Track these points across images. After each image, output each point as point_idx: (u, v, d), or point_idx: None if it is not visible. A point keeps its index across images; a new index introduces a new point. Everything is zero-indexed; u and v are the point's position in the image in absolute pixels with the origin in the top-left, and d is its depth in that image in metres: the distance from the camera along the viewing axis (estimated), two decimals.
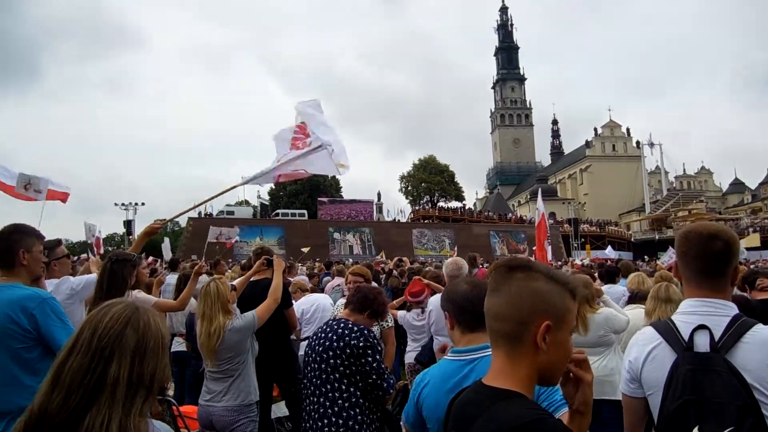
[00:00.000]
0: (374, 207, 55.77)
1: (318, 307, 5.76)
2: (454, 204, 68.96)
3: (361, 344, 3.05)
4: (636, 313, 4.62)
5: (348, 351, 3.04)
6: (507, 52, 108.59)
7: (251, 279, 4.66)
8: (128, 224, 36.72)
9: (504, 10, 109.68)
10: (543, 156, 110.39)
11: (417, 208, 66.30)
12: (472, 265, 7.66)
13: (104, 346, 1.37)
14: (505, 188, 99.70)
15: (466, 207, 67.73)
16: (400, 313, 5.66)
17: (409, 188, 74.82)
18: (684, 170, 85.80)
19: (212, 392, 3.66)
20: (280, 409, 5.70)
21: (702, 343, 1.70)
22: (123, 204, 38.38)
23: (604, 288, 5.51)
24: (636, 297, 5.11)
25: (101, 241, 15.50)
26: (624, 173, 79.07)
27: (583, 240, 49.62)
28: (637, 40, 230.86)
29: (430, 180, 71.78)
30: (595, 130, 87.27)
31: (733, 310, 1.76)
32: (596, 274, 7.02)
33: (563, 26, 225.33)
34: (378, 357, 3.11)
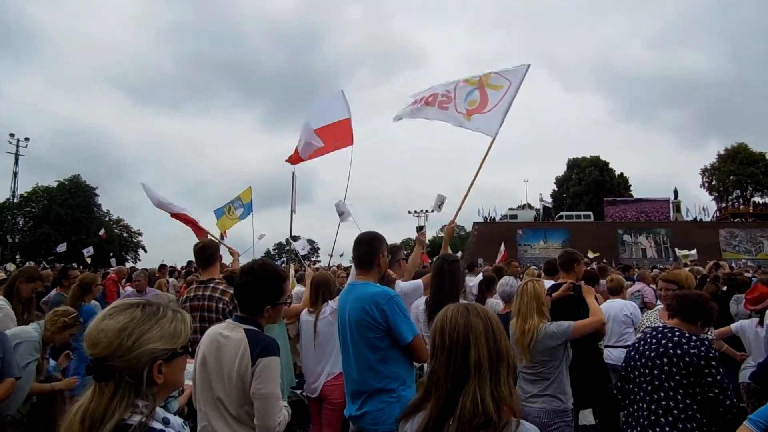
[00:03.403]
0: (670, 206, 50.45)
1: (610, 317, 5.58)
2: None
3: (702, 354, 2.86)
4: None
5: (687, 359, 2.86)
6: None
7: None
8: (420, 229, 39.90)
9: None
10: None
11: (725, 205, 57.76)
12: None
13: (457, 338, 1.57)
14: None
15: None
16: (744, 323, 5.03)
17: (714, 183, 65.57)
18: None
19: (527, 392, 3.74)
20: (586, 417, 5.52)
21: None
22: (415, 211, 41.92)
23: None
24: None
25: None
26: None
27: None
28: None
29: (740, 172, 61.79)
30: None
31: None
32: None
33: None
34: (720, 370, 2.87)
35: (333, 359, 4.35)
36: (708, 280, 8.32)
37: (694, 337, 2.95)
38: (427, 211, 41.73)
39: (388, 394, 2.90)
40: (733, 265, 26.30)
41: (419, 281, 4.28)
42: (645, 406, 2.96)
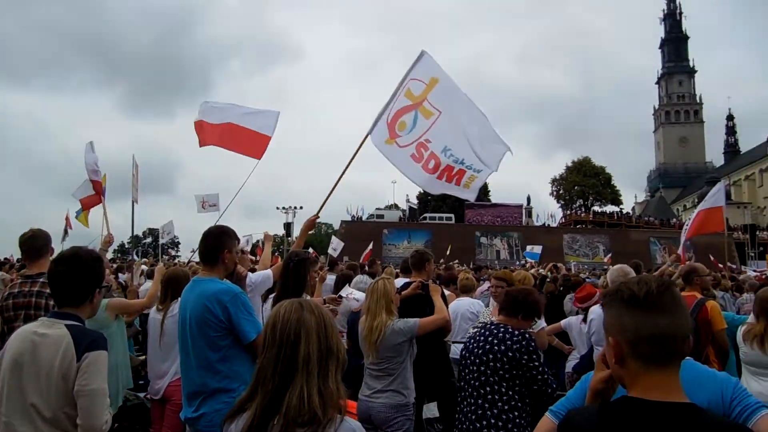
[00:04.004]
0: (523, 211, 54.45)
1: (458, 314, 5.80)
2: (610, 208, 64.98)
3: (523, 348, 3.04)
4: None
5: (510, 354, 3.04)
6: (674, 42, 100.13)
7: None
8: (288, 226, 39.33)
9: None
10: (714, 155, 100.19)
11: (569, 212, 63.39)
12: (638, 273, 7.13)
13: (288, 333, 1.56)
14: (669, 191, 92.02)
15: (624, 212, 63.54)
16: (571, 319, 5.51)
17: (561, 192, 71.81)
18: None
19: (372, 388, 3.82)
20: (430, 411, 5.76)
21: None
22: (284, 208, 41.22)
23: None
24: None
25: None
26: None
27: (761, 249, 44.21)
28: None
29: (584, 183, 68.31)
30: None
31: None
32: None
33: (741, 10, 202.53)
34: (541, 361, 3.10)
35: (179, 360, 4.15)
36: (548, 279, 9.11)
37: (516, 333, 3.12)
38: (295, 207, 41.32)
39: (228, 394, 2.81)
40: (570, 266, 28.93)
41: (268, 271, 4.22)
42: (473, 401, 3.12)
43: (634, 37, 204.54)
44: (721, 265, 15.76)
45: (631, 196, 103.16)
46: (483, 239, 46.64)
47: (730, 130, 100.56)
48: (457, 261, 20.42)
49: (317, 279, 5.24)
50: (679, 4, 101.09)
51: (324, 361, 1.58)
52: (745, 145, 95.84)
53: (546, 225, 53.39)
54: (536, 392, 3.05)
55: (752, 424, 1.50)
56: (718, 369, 4.76)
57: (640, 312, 1.31)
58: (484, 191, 67.06)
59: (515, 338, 3.09)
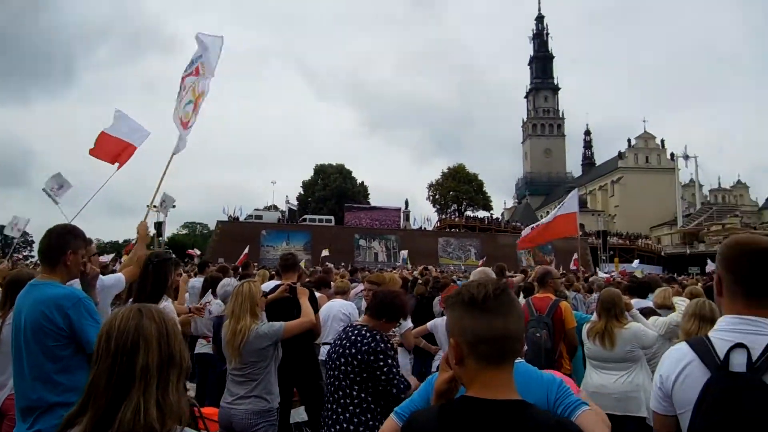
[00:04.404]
0: (401, 215, 55.79)
1: (330, 316, 5.79)
2: (482, 213, 68.55)
3: (371, 349, 3.04)
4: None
5: (359, 357, 3.04)
6: (541, 61, 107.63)
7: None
8: (159, 226, 37.22)
9: (540, 19, 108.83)
10: (574, 167, 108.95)
11: (444, 216, 66.02)
12: (501, 275, 7.56)
13: (125, 342, 1.44)
14: (534, 198, 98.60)
15: (494, 217, 67.29)
16: (437, 320, 5.66)
17: (437, 197, 74.58)
18: (719, 184, 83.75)
19: (234, 395, 3.69)
20: (299, 415, 5.72)
21: (738, 363, 1.61)
22: (154, 206, 38.86)
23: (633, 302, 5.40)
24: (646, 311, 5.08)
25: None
26: (657, 186, 77.48)
27: (611, 253, 48.76)
28: (677, 50, 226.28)
29: (458, 189, 71.45)
30: (629, 141, 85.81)
31: None
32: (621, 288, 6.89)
33: (600, 35, 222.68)
34: (390, 362, 3.08)
35: None
36: (419, 281, 9.38)
37: (368, 334, 3.12)
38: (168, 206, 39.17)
39: (67, 408, 2.55)
40: (444, 268, 30.11)
41: (120, 275, 3.92)
42: (330, 406, 3.12)
43: (507, 53, 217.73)
44: (583, 268, 17.16)
45: (501, 202, 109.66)
46: (362, 242, 47.17)
47: (588, 144, 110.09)
48: (331, 264, 20.40)
49: (180, 281, 5.01)
50: (546, 26, 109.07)
51: (164, 371, 1.47)
52: (600, 158, 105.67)
53: (422, 228, 55.10)
54: (381, 393, 3.04)
55: (573, 420, 1.62)
56: (568, 363, 5.18)
57: (478, 314, 1.36)
58: (364, 194, 68.17)
59: (366, 340, 3.09)
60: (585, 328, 4.60)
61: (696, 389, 1.66)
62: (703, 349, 1.72)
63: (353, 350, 3.07)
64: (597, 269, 32.37)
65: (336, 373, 3.10)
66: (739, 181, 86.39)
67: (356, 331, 3.18)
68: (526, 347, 4.44)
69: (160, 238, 36.01)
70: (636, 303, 5.82)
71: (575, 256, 21.74)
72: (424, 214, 63.90)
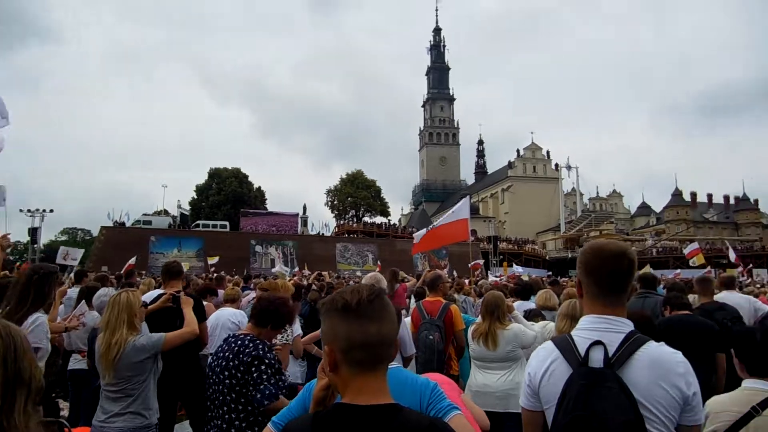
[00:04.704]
0: (299, 220, 55.22)
1: (218, 325, 5.59)
2: (379, 219, 69.36)
3: (252, 357, 2.97)
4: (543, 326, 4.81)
5: (242, 368, 2.95)
6: (438, 72, 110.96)
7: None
8: (33, 232, 34.30)
9: (437, 31, 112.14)
10: (468, 175, 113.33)
11: (342, 222, 66.13)
12: (394, 279, 7.66)
13: None
14: (430, 205, 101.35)
15: (391, 223, 68.32)
16: None
17: (335, 202, 74.68)
18: (597, 193, 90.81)
19: (107, 412, 3.43)
20: (184, 429, 5.48)
21: (597, 359, 1.74)
22: (29, 210, 35.81)
23: (516, 304, 5.68)
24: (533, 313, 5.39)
25: None
26: (543, 194, 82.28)
27: (501, 257, 51.09)
28: (566, 65, 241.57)
29: (356, 195, 71.95)
30: (518, 151, 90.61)
31: (628, 327, 1.80)
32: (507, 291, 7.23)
33: (494, 49, 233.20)
34: (268, 370, 2.99)
35: None
36: (313, 288, 9.32)
37: (251, 344, 3.05)
38: (44, 210, 36.25)
39: None
40: (346, 274, 30.18)
41: None
42: (216, 422, 2.99)
43: (407, 62, 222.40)
44: (477, 272, 17.82)
45: (398, 208, 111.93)
46: (258, 248, 46.10)
47: (480, 153, 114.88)
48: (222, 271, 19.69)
49: (57, 293, 4.65)
50: (443, 38, 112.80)
51: (10, 392, 1.34)
52: (492, 166, 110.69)
53: (320, 234, 54.88)
54: (251, 399, 2.96)
55: None
56: (455, 364, 5.35)
57: (353, 319, 1.35)
58: (260, 199, 66.82)
59: (248, 349, 3.01)
60: (470, 329, 4.78)
61: (560, 385, 1.77)
62: (566, 346, 1.83)
63: (236, 361, 2.96)
64: (488, 273, 33.77)
65: (220, 387, 2.97)
66: (614, 191, 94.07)
67: (239, 341, 3.07)
68: (416, 350, 4.54)
69: (35, 245, 33.29)
70: (520, 305, 6.15)
71: (479, 260, 22.60)
72: (323, 220, 63.82)
